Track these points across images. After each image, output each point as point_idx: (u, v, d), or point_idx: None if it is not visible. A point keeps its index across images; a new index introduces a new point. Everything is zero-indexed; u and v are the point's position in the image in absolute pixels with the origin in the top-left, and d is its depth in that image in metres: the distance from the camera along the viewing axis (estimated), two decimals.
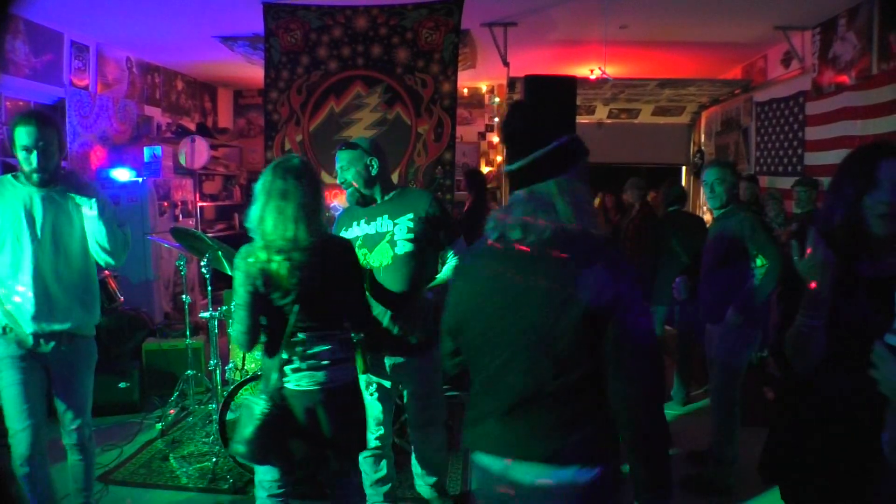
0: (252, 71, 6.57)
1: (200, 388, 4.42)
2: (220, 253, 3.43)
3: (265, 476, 2.26)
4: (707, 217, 6.48)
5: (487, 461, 1.51)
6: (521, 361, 1.43)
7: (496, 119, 8.27)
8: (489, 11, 5.05)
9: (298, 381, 2.15)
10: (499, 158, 8.34)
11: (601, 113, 7.71)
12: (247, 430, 2.09)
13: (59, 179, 2.50)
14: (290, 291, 2.10)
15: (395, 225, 2.58)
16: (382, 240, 2.58)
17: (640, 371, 1.37)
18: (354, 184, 2.61)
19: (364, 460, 2.74)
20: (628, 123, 7.90)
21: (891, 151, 1.62)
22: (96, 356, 2.72)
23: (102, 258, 2.60)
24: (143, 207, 5.64)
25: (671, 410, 4.36)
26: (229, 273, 3.14)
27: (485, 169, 8.30)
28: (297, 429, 2.16)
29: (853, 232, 1.63)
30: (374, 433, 2.71)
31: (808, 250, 1.53)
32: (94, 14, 5.10)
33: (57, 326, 2.51)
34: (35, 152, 2.39)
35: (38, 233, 2.47)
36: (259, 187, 2.14)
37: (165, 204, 6.01)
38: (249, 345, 2.18)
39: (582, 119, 7.25)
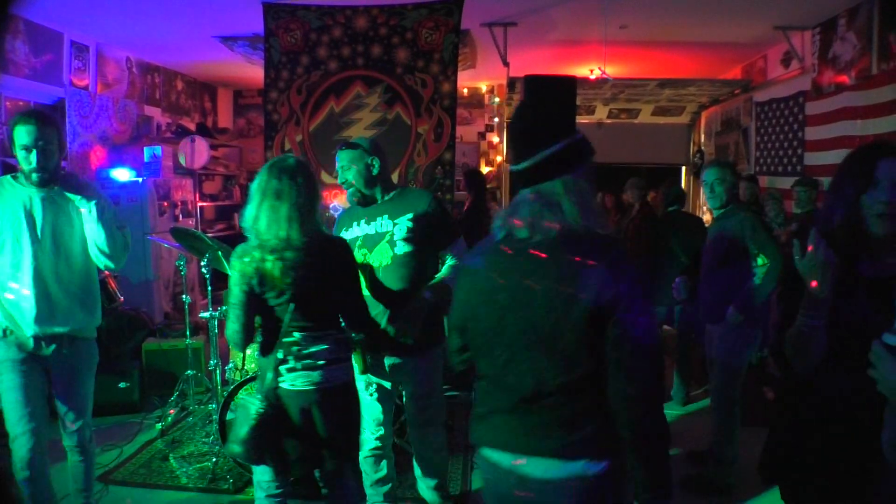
0: (252, 71, 6.56)
1: (200, 388, 4.42)
2: (219, 253, 3.43)
3: (263, 476, 2.26)
4: (707, 217, 6.48)
5: (496, 456, 1.51)
6: (523, 360, 1.44)
7: (496, 119, 8.26)
8: (489, 11, 5.05)
9: (294, 380, 2.15)
10: (499, 158, 8.33)
11: (601, 113, 7.70)
12: (242, 429, 2.09)
13: (58, 180, 2.47)
14: (285, 291, 2.10)
15: (394, 225, 2.58)
16: (382, 240, 2.58)
17: (640, 371, 1.38)
18: (355, 183, 2.62)
19: (364, 460, 2.74)
20: (628, 123, 7.89)
21: (890, 151, 1.62)
22: (97, 358, 2.70)
23: (102, 261, 2.56)
24: (143, 207, 5.64)
25: (671, 410, 4.35)
26: (229, 273, 3.13)
27: (485, 169, 8.31)
28: (292, 429, 2.16)
29: (853, 232, 1.63)
30: (374, 433, 2.71)
31: (809, 248, 1.53)
32: (94, 14, 5.10)
33: (58, 329, 2.49)
34: (35, 151, 2.37)
35: (39, 234, 2.44)
36: (254, 187, 2.14)
37: (165, 204, 6.01)
38: (243, 344, 2.19)
39: (582, 119, 7.26)
